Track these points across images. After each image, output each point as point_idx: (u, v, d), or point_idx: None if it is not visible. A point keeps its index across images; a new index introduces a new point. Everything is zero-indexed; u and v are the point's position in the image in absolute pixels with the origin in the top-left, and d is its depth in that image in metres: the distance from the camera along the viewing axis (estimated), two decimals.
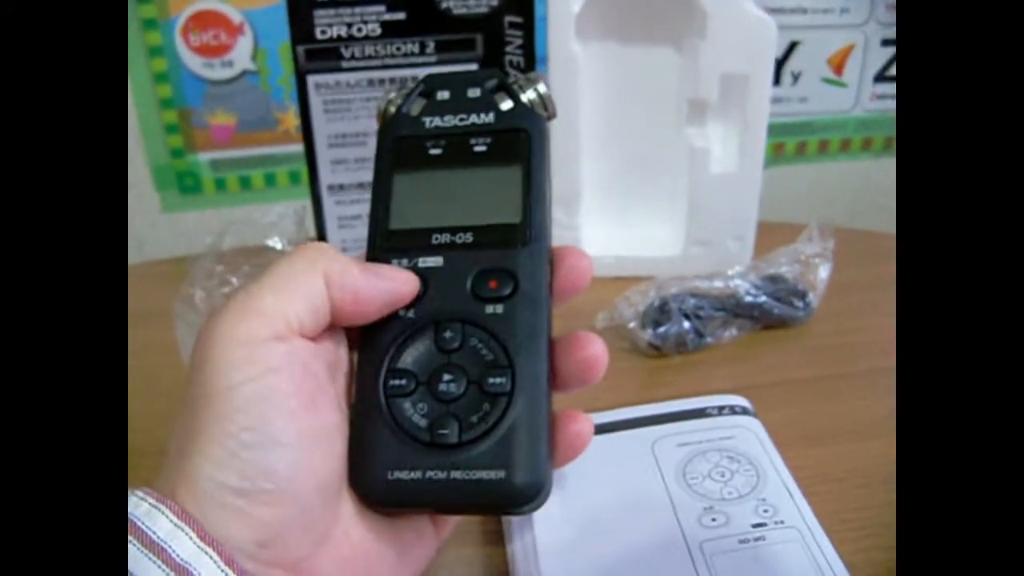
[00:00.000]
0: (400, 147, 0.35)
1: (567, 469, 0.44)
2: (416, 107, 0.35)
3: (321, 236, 0.63)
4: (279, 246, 0.58)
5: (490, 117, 0.34)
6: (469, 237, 0.32)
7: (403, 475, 0.30)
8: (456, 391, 0.30)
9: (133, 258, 0.86)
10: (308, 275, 0.30)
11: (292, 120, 0.91)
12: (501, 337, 0.31)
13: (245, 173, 0.93)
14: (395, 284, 0.31)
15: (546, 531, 0.41)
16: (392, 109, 0.36)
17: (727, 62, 0.60)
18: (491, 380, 0.30)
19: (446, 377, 0.31)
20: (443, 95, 0.35)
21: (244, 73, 0.88)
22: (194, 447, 0.28)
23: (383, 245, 0.33)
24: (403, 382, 0.31)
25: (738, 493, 0.42)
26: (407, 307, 0.32)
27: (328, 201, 0.61)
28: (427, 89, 0.36)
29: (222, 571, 0.26)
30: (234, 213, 0.69)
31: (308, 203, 0.62)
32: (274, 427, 0.28)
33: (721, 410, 0.48)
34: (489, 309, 0.31)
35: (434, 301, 0.32)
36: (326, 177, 0.61)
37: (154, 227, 0.93)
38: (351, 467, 0.31)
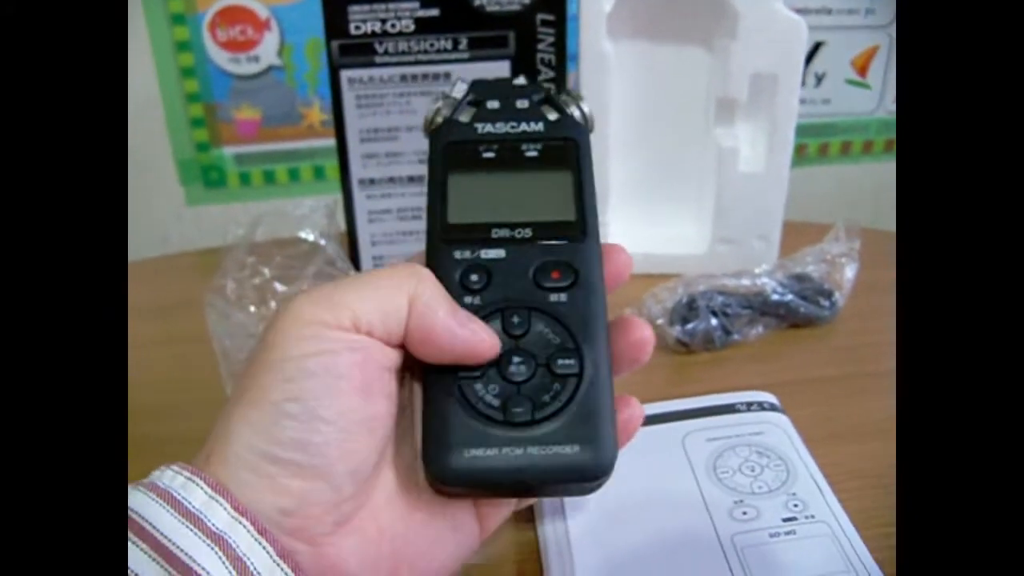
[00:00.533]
0: (454, 151, 0.36)
1: None
2: (466, 115, 0.37)
3: (351, 230, 0.63)
4: (311, 238, 0.58)
5: (539, 126, 0.36)
6: (528, 232, 0.34)
7: (479, 453, 0.30)
8: (526, 372, 0.31)
9: (157, 251, 0.87)
10: (393, 292, 0.30)
11: (317, 115, 0.92)
12: (566, 322, 0.32)
13: (269, 168, 0.93)
14: (474, 340, 0.31)
15: (578, 519, 0.42)
16: (440, 118, 0.37)
17: (757, 62, 0.60)
18: (560, 362, 0.31)
19: (515, 360, 0.31)
20: (493, 104, 0.37)
21: (270, 68, 0.89)
22: (237, 412, 0.29)
23: (443, 236, 0.34)
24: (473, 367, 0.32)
25: (768, 488, 0.43)
26: (473, 293, 0.33)
27: (359, 195, 0.62)
28: (476, 98, 0.37)
29: (256, 540, 0.27)
30: (261, 207, 0.70)
31: (339, 197, 0.63)
32: (319, 403, 0.28)
33: (750, 406, 0.49)
34: (553, 297, 0.32)
35: (499, 290, 0.33)
36: (357, 171, 0.61)
37: (179, 220, 0.94)
38: (424, 453, 0.31)
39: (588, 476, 0.30)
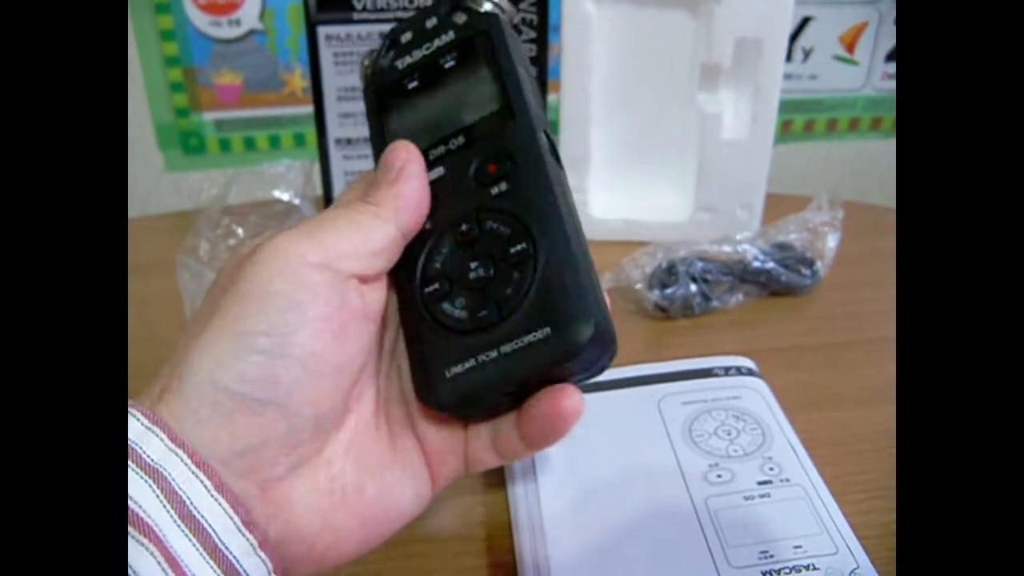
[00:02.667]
0: (382, 95, 0.36)
1: None
2: (388, 57, 0.36)
3: (327, 190, 0.62)
4: (286, 197, 0.57)
5: (450, 35, 0.35)
6: (461, 139, 0.33)
7: (458, 369, 0.30)
8: (485, 274, 0.31)
9: (135, 216, 0.86)
10: (376, 223, 0.30)
11: (299, 82, 0.91)
12: (511, 209, 0.31)
13: (249, 134, 0.92)
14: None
15: (549, 482, 0.41)
16: (369, 70, 0.37)
17: (742, 27, 0.59)
18: (512, 250, 0.30)
19: (473, 265, 0.31)
20: (406, 37, 0.36)
21: (251, 32, 0.88)
22: (201, 344, 0.27)
23: None
24: (436, 286, 0.31)
25: (744, 451, 0.42)
26: (425, 220, 0.32)
27: (335, 155, 0.61)
28: (393, 37, 0.37)
29: (193, 473, 0.26)
30: (239, 170, 0.69)
31: (315, 158, 0.62)
32: (292, 339, 0.27)
33: (728, 371, 0.48)
34: (494, 190, 0.32)
35: (446, 207, 0.32)
36: (334, 131, 0.60)
37: (157, 185, 0.92)
38: (416, 388, 0.31)
39: (566, 355, 0.29)
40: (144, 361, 0.51)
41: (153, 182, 0.92)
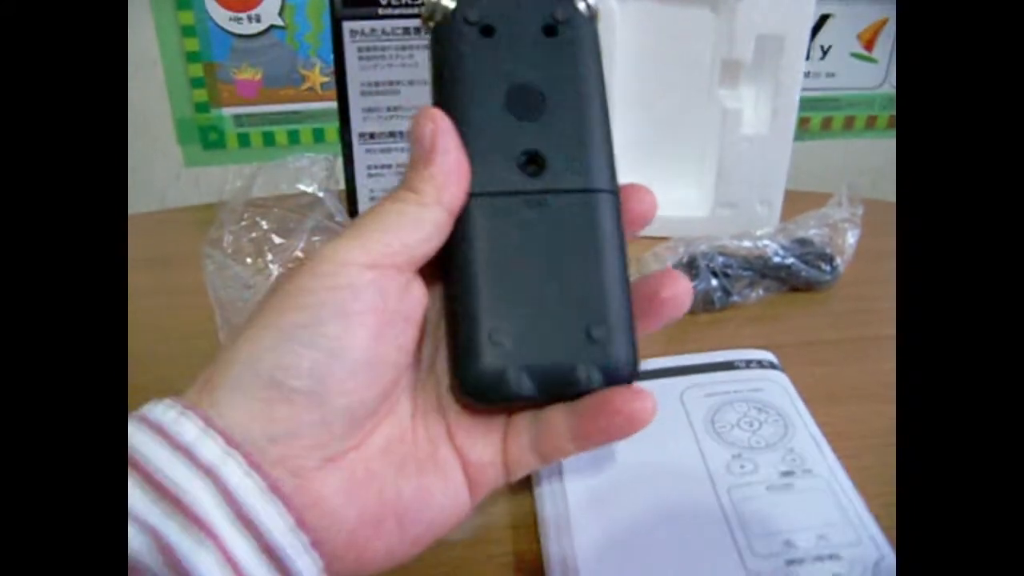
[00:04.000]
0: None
1: None
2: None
3: (350, 184, 0.62)
4: (310, 190, 0.58)
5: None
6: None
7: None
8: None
9: (157, 210, 0.86)
10: (421, 213, 0.30)
11: (318, 77, 0.91)
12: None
13: (269, 129, 0.93)
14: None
15: (574, 475, 0.41)
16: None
17: (763, 23, 0.60)
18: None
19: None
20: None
21: (271, 28, 0.88)
22: (243, 335, 0.28)
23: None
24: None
25: (766, 442, 0.43)
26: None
27: (359, 149, 0.61)
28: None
29: (247, 474, 0.27)
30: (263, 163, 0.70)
31: (339, 152, 0.62)
32: (328, 332, 0.28)
33: (749, 363, 0.48)
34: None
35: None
36: (357, 125, 0.61)
37: (176, 181, 0.93)
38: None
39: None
40: (171, 352, 0.52)
41: (173, 177, 0.93)
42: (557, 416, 0.31)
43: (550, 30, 0.33)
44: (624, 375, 0.31)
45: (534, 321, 0.30)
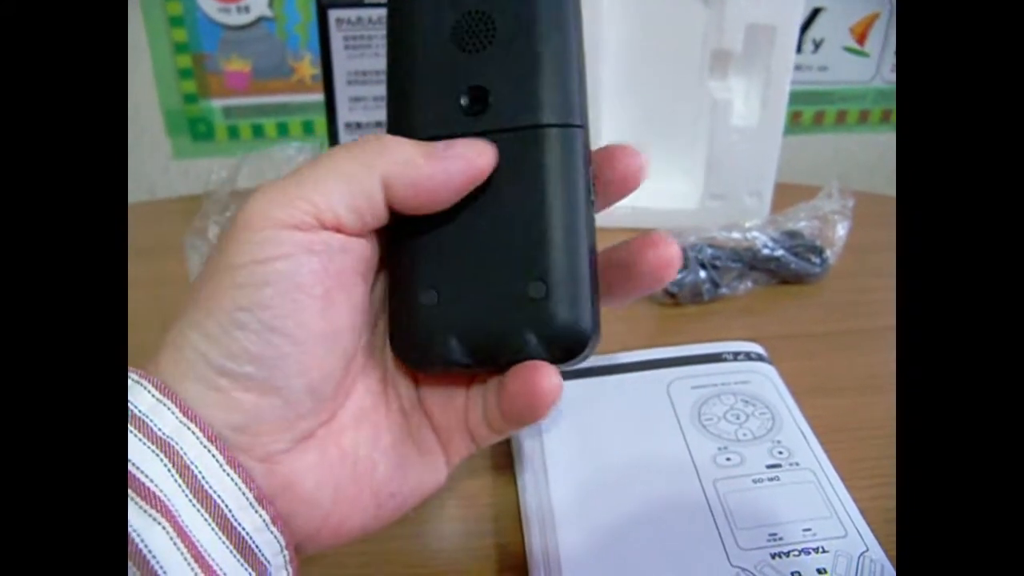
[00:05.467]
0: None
1: (581, 405, 0.44)
2: None
3: None
4: None
5: None
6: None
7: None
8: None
9: (144, 201, 0.86)
10: (361, 176, 0.27)
11: (307, 69, 0.90)
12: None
13: (258, 121, 0.92)
14: (468, 160, 0.28)
15: (558, 466, 0.41)
16: None
17: (753, 12, 0.59)
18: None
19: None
20: None
21: (260, 19, 0.87)
22: (188, 317, 0.26)
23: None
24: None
25: (753, 435, 0.42)
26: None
27: (345, 138, 0.61)
28: None
29: (205, 447, 0.25)
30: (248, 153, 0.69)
31: (325, 142, 0.62)
32: (272, 313, 0.26)
33: (736, 356, 0.48)
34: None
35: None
36: (344, 115, 0.60)
37: (165, 173, 0.92)
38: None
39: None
40: (154, 341, 0.52)
41: (161, 170, 0.92)
42: (495, 392, 0.29)
43: None
44: (566, 341, 0.27)
45: (471, 282, 0.28)
